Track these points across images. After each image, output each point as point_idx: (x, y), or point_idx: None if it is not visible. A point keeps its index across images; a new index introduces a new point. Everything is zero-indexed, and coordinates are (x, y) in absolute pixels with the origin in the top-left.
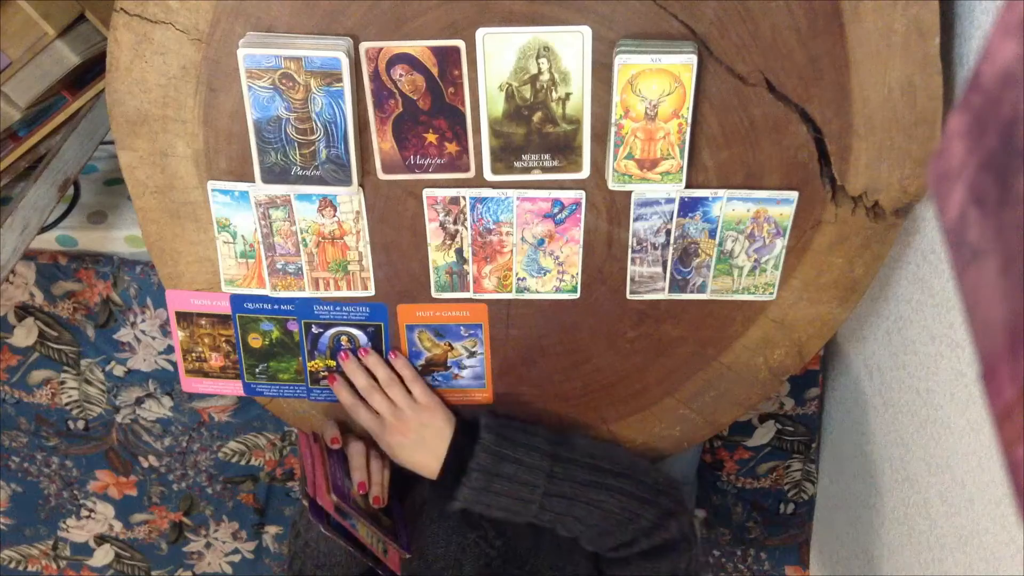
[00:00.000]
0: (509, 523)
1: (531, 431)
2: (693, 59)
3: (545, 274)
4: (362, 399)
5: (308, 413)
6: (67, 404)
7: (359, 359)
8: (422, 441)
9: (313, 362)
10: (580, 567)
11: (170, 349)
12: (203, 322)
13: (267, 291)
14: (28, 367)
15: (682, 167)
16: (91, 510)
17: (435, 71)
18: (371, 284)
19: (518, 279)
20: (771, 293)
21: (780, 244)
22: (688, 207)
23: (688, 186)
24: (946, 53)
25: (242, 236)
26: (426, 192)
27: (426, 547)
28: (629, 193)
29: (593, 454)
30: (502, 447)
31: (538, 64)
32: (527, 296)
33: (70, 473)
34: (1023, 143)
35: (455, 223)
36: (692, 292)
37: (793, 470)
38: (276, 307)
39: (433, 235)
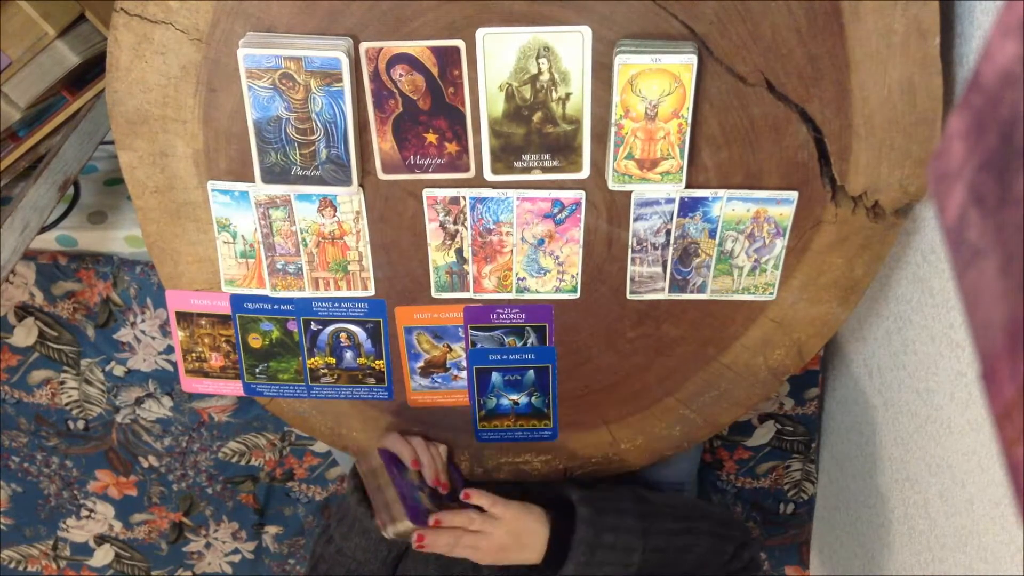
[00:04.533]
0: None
1: (616, 496)
2: (693, 59)
3: (545, 274)
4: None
5: (308, 413)
6: (67, 404)
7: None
8: (520, 545)
9: (313, 359)
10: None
11: (170, 349)
12: (203, 322)
13: (267, 291)
14: (28, 367)
15: (682, 167)
16: (91, 510)
17: (435, 71)
18: (371, 284)
19: (518, 279)
20: (771, 293)
21: (780, 244)
22: (688, 207)
23: (688, 186)
24: (946, 53)
25: (242, 236)
26: (426, 192)
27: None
28: (629, 193)
29: (669, 503)
30: (598, 516)
31: (538, 64)
32: (527, 296)
33: (70, 473)
34: (1023, 143)
35: (455, 223)
36: (692, 292)
37: (793, 470)
38: (276, 307)
39: (433, 235)
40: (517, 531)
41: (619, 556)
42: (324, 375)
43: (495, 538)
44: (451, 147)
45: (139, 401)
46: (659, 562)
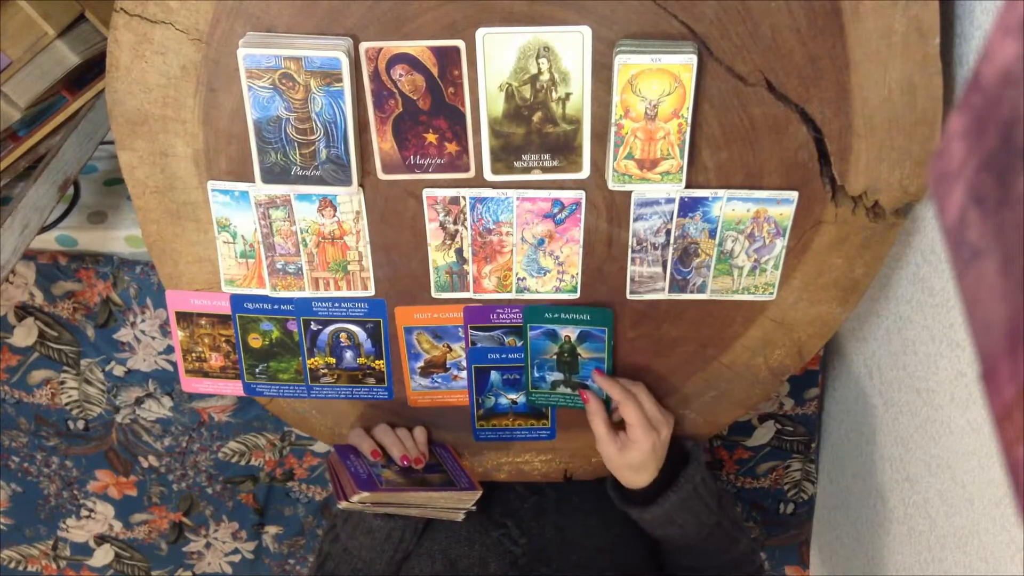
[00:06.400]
0: (532, 521)
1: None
2: (693, 59)
3: (545, 274)
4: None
5: (308, 413)
6: (67, 404)
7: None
8: (657, 457)
9: (313, 360)
10: (607, 571)
11: (170, 349)
12: (203, 322)
13: (267, 291)
14: (28, 367)
15: (682, 167)
16: (91, 510)
17: (435, 71)
18: (371, 284)
19: (518, 279)
20: (771, 293)
21: (780, 244)
22: (688, 207)
23: (688, 186)
24: (946, 53)
25: (242, 236)
26: (426, 192)
27: (449, 547)
28: (629, 193)
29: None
30: (702, 467)
31: (538, 64)
32: (527, 296)
33: (70, 473)
34: (1023, 143)
35: (455, 223)
36: (692, 292)
37: (793, 470)
38: (276, 307)
39: (433, 235)
40: (665, 442)
41: (701, 510)
42: (324, 375)
43: (656, 438)
44: (451, 147)
45: (139, 401)
46: (719, 537)
